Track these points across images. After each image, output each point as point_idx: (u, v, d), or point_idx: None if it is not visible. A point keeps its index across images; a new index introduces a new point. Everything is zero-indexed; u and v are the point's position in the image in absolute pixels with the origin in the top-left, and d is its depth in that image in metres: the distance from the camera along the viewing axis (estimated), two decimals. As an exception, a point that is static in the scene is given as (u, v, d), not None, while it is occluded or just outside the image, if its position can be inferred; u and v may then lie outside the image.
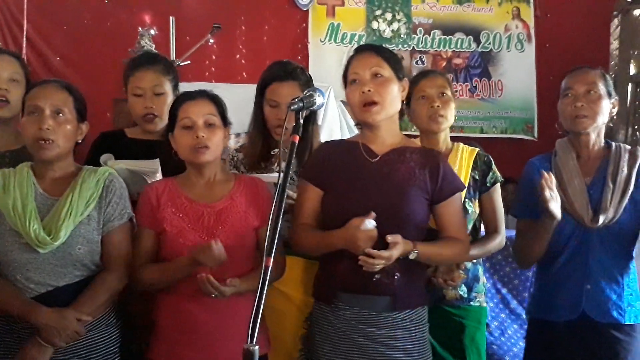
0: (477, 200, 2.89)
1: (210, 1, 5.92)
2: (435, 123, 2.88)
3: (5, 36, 5.53)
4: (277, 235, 1.73)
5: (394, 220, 2.28)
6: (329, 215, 2.43)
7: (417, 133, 2.95)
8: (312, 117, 2.84)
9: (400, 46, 6.05)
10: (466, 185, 2.84)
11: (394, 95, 2.40)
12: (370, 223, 2.22)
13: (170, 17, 5.26)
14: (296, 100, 2.03)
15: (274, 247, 1.72)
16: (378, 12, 6.08)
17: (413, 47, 6.10)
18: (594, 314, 2.53)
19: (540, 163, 2.68)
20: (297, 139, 1.93)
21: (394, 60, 2.44)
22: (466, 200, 2.85)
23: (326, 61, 5.99)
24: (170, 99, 2.88)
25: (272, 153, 2.85)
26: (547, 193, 2.37)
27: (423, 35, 6.14)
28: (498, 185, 2.95)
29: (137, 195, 2.55)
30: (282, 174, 1.82)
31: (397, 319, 2.36)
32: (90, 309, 2.30)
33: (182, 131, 2.43)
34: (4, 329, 2.33)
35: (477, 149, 2.99)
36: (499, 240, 2.83)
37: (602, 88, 2.58)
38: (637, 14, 6.16)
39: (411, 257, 2.29)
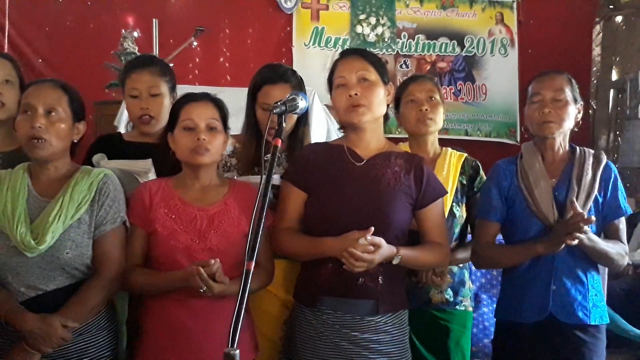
0: (464, 205, 2.91)
1: (193, 4, 5.91)
2: (423, 126, 2.90)
3: (-14, 39, 5.51)
4: (260, 240, 1.72)
5: (379, 225, 2.28)
6: (313, 218, 2.43)
7: (401, 136, 2.96)
8: (302, 119, 2.85)
9: (384, 50, 6.09)
10: (454, 189, 2.86)
11: (380, 98, 2.42)
12: (367, 240, 2.21)
13: (154, 20, 5.26)
14: (279, 103, 2.03)
15: (256, 251, 1.70)
16: (362, 17, 6.11)
17: (397, 51, 6.14)
18: (560, 315, 2.55)
19: (506, 165, 2.71)
20: (279, 142, 1.93)
21: (379, 65, 2.46)
22: (454, 204, 2.87)
23: (310, 65, 6.00)
24: (166, 100, 2.89)
25: (265, 159, 2.84)
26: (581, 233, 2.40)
27: (407, 40, 6.18)
28: None
29: (128, 194, 2.54)
30: (264, 178, 1.82)
31: (379, 323, 2.37)
32: (77, 315, 2.28)
33: (183, 132, 2.43)
34: None
35: (465, 154, 3.01)
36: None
37: (569, 94, 2.62)
38: (619, 21, 6.24)
39: (395, 262, 2.31)
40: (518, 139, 6.02)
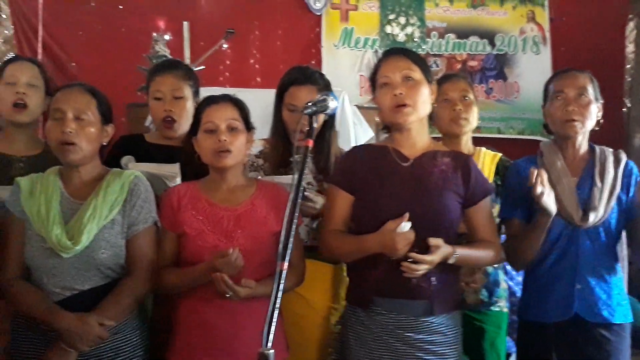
0: (499, 205, 2.88)
1: (224, 6, 5.93)
2: (457, 126, 2.90)
3: (21, 42, 5.57)
4: (292, 240, 1.73)
5: (431, 225, 2.29)
6: (361, 221, 2.43)
7: (433, 135, 2.95)
8: (329, 123, 2.85)
9: (414, 50, 6.04)
10: None
11: (425, 98, 2.42)
12: (406, 225, 2.22)
13: (184, 23, 5.31)
14: (309, 104, 2.03)
15: (288, 252, 1.71)
16: (392, 17, 6.09)
17: (427, 50, 6.09)
18: (585, 314, 2.54)
19: (526, 164, 2.70)
20: (310, 143, 1.93)
21: (423, 64, 2.46)
22: None
23: (340, 65, 6.00)
24: (189, 103, 2.93)
25: (291, 160, 2.85)
26: (539, 187, 2.36)
27: (437, 39, 6.15)
28: None
29: (157, 198, 2.57)
30: (295, 180, 1.82)
31: (434, 324, 2.36)
32: (113, 314, 2.32)
33: (205, 135, 2.46)
34: (30, 330, 2.36)
35: (500, 155, 2.99)
36: None
37: (591, 92, 2.62)
38: (653, 17, 6.14)
39: (451, 261, 2.30)
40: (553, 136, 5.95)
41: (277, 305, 1.63)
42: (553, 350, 2.56)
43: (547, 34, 6.15)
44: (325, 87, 2.80)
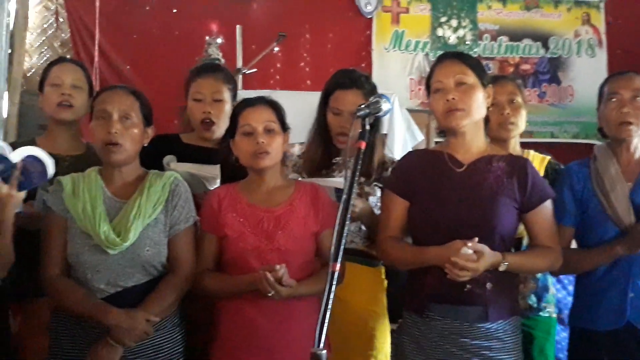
0: None
1: (275, 10, 5.96)
2: (505, 131, 2.86)
3: (77, 45, 5.69)
4: (343, 241, 1.73)
5: (483, 231, 2.25)
6: (417, 226, 2.42)
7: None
8: (375, 126, 2.84)
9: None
10: None
11: (479, 102, 2.38)
12: (468, 250, 2.17)
13: (237, 26, 5.35)
14: (363, 106, 2.03)
15: (340, 253, 1.71)
16: (443, 19, 6.04)
17: (479, 53, 6.01)
18: (638, 322, 2.46)
19: (579, 168, 2.64)
20: (363, 145, 1.92)
21: (478, 67, 2.42)
22: None
23: (390, 68, 5.98)
24: (228, 106, 2.95)
25: (333, 161, 2.85)
26: None
27: (489, 42, 6.08)
28: None
29: (198, 198, 2.60)
30: (348, 181, 1.82)
31: (490, 330, 2.33)
32: (158, 310, 2.35)
33: (243, 138, 2.47)
34: (74, 326, 2.39)
35: (549, 157, 2.94)
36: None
37: None
38: None
39: (501, 268, 2.26)
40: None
41: (329, 306, 1.61)
42: (605, 358, 2.52)
43: (603, 37, 6.02)
44: (371, 91, 2.77)
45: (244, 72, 4.98)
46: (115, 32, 5.77)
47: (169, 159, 2.81)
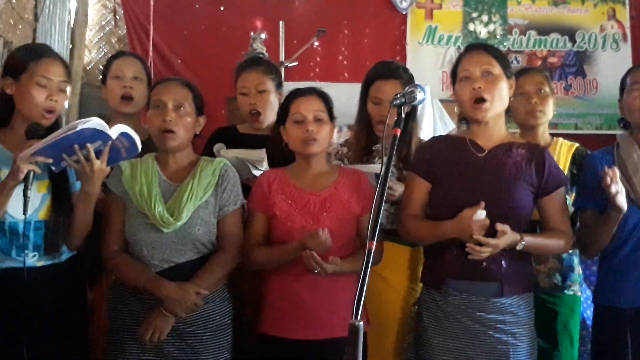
0: (574, 194, 2.82)
1: (316, 7, 5.95)
2: (533, 118, 2.85)
3: (133, 41, 5.76)
4: (379, 221, 1.74)
5: (502, 213, 2.27)
6: (438, 207, 2.43)
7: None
8: (412, 114, 2.85)
9: (495, 47, 5.94)
10: None
11: (503, 93, 2.39)
12: (482, 213, 2.21)
13: (280, 22, 5.35)
14: (398, 95, 2.03)
15: (376, 233, 1.72)
16: (474, 15, 5.98)
17: (508, 47, 5.94)
18: None
19: (602, 156, 2.62)
20: (398, 132, 1.92)
21: (503, 59, 2.43)
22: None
23: (423, 62, 5.94)
24: (272, 96, 2.99)
25: (373, 148, 2.86)
26: (613, 187, 2.29)
27: (518, 36, 5.99)
28: None
29: (245, 180, 2.64)
30: (384, 166, 1.83)
31: (505, 304, 2.35)
32: (207, 284, 2.40)
33: (293, 125, 2.50)
34: (130, 298, 2.45)
35: (577, 145, 2.92)
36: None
37: None
38: None
39: (518, 247, 2.27)
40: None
41: (366, 281, 1.62)
42: (628, 334, 2.48)
43: (628, 31, 5.89)
44: (408, 81, 2.79)
45: (286, 66, 4.98)
46: (168, 28, 5.80)
47: (218, 147, 2.87)
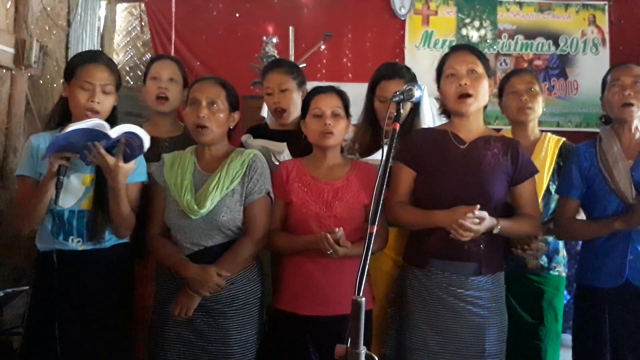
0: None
1: (322, 13, 5.95)
2: (523, 114, 2.86)
3: (156, 44, 5.78)
4: (380, 208, 1.75)
5: (482, 200, 2.28)
6: (423, 194, 2.44)
7: (498, 127, 2.91)
8: (414, 111, 2.85)
9: (486, 50, 5.90)
10: (551, 170, 2.80)
11: (485, 89, 2.40)
12: (474, 214, 2.21)
13: (290, 27, 5.36)
14: (398, 93, 2.04)
15: (377, 218, 1.73)
16: (467, 20, 5.97)
17: (498, 50, 5.95)
18: (636, 281, 2.46)
19: (586, 148, 2.63)
20: (397, 126, 1.92)
21: (485, 60, 2.45)
22: (550, 183, 2.81)
23: (420, 64, 5.90)
24: (295, 94, 2.99)
25: (382, 143, 2.87)
26: None
27: (507, 40, 5.98)
28: None
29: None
30: (384, 156, 1.84)
31: (482, 282, 2.38)
32: (229, 267, 2.40)
33: (313, 119, 2.51)
34: (169, 277, 2.48)
35: (563, 139, 2.93)
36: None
37: None
38: None
39: (495, 231, 2.30)
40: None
41: (368, 261, 1.63)
42: (606, 311, 2.51)
43: (607, 36, 5.88)
44: (411, 79, 2.79)
45: (295, 67, 4.99)
46: (188, 33, 5.81)
47: (246, 137, 2.91)
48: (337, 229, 2.30)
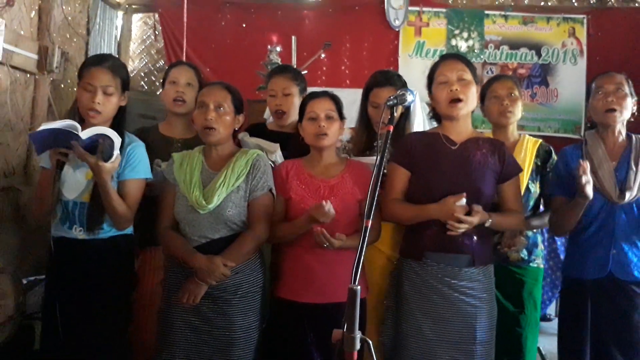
0: (538, 182, 2.83)
1: (322, 24, 5.94)
2: (504, 118, 2.86)
3: (169, 52, 5.77)
4: (375, 203, 1.74)
5: (473, 196, 2.29)
6: (417, 192, 2.44)
7: (483, 131, 2.91)
8: (406, 115, 2.84)
9: (474, 59, 5.89)
10: (530, 169, 2.80)
11: (474, 95, 2.40)
12: (463, 201, 2.24)
13: (292, 37, 5.34)
14: (392, 98, 2.04)
15: (372, 213, 1.73)
16: (457, 32, 5.95)
17: (484, 60, 5.93)
18: (618, 273, 2.49)
19: (573, 151, 2.64)
20: (391, 128, 1.92)
21: (472, 68, 2.46)
22: (529, 181, 2.82)
23: (413, 71, 5.90)
24: (297, 99, 2.99)
25: (374, 144, 2.87)
26: (584, 178, 2.31)
27: (493, 50, 5.97)
28: None
29: None
30: (379, 155, 1.84)
31: (474, 273, 2.38)
32: (234, 257, 2.40)
33: (308, 122, 2.51)
34: (177, 267, 2.48)
35: (540, 141, 2.94)
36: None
37: (627, 88, 2.55)
38: (675, 33, 5.83)
39: (487, 224, 2.30)
40: (582, 134, 5.74)
41: (364, 251, 1.63)
42: (589, 300, 2.52)
43: (584, 47, 5.86)
44: (402, 86, 2.78)
45: (297, 74, 4.98)
46: (198, 42, 5.80)
47: (242, 135, 2.89)
48: (324, 202, 2.29)
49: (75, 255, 2.45)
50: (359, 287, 1.54)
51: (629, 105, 2.53)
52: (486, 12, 5.96)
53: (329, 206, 2.30)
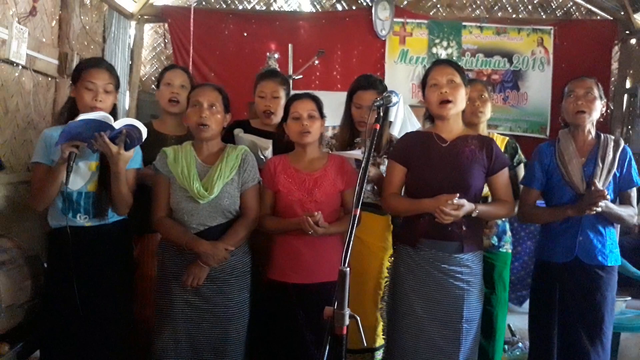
0: None
1: (316, 34, 5.93)
2: (475, 117, 2.87)
3: (177, 58, 5.74)
4: (362, 194, 1.75)
5: (461, 189, 2.28)
6: (412, 186, 2.44)
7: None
8: (386, 114, 2.84)
9: (452, 65, 5.93)
10: None
11: (463, 96, 2.40)
12: (455, 201, 2.22)
13: (289, 45, 5.34)
14: (378, 99, 2.05)
15: (359, 202, 1.74)
16: (437, 41, 5.97)
17: (462, 66, 5.94)
18: (584, 258, 2.50)
19: (547, 147, 2.65)
20: (378, 127, 1.94)
21: (462, 72, 2.44)
22: None
23: (397, 76, 5.94)
24: (283, 101, 2.97)
25: (355, 141, 2.88)
26: (598, 205, 2.36)
27: (470, 58, 5.99)
28: (522, 165, 2.90)
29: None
30: (366, 152, 1.86)
31: (463, 259, 2.37)
32: (233, 242, 2.41)
33: (292, 121, 2.51)
34: (172, 251, 2.47)
35: (508, 138, 2.95)
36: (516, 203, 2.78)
37: (596, 92, 2.54)
38: (633, 43, 5.88)
39: (473, 215, 2.29)
40: (547, 134, 5.79)
41: (352, 237, 1.63)
42: (557, 282, 2.54)
43: (551, 56, 5.89)
44: (383, 90, 2.77)
45: (294, 78, 4.99)
46: (204, 49, 5.78)
47: (237, 131, 2.89)
48: (316, 213, 2.31)
49: (82, 241, 2.41)
50: (348, 269, 1.55)
51: (598, 107, 2.54)
52: (464, 23, 5.97)
53: (319, 216, 2.31)
